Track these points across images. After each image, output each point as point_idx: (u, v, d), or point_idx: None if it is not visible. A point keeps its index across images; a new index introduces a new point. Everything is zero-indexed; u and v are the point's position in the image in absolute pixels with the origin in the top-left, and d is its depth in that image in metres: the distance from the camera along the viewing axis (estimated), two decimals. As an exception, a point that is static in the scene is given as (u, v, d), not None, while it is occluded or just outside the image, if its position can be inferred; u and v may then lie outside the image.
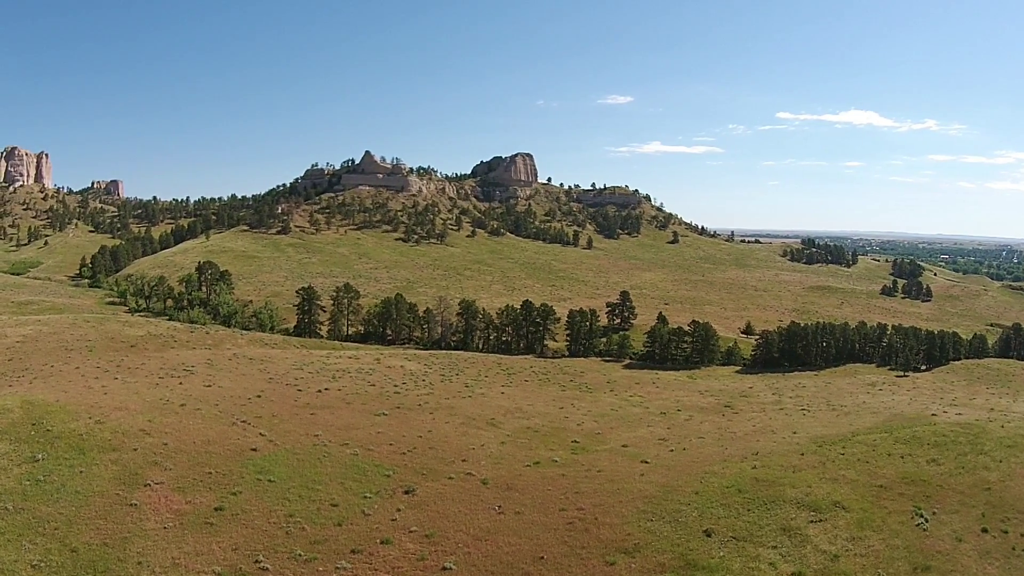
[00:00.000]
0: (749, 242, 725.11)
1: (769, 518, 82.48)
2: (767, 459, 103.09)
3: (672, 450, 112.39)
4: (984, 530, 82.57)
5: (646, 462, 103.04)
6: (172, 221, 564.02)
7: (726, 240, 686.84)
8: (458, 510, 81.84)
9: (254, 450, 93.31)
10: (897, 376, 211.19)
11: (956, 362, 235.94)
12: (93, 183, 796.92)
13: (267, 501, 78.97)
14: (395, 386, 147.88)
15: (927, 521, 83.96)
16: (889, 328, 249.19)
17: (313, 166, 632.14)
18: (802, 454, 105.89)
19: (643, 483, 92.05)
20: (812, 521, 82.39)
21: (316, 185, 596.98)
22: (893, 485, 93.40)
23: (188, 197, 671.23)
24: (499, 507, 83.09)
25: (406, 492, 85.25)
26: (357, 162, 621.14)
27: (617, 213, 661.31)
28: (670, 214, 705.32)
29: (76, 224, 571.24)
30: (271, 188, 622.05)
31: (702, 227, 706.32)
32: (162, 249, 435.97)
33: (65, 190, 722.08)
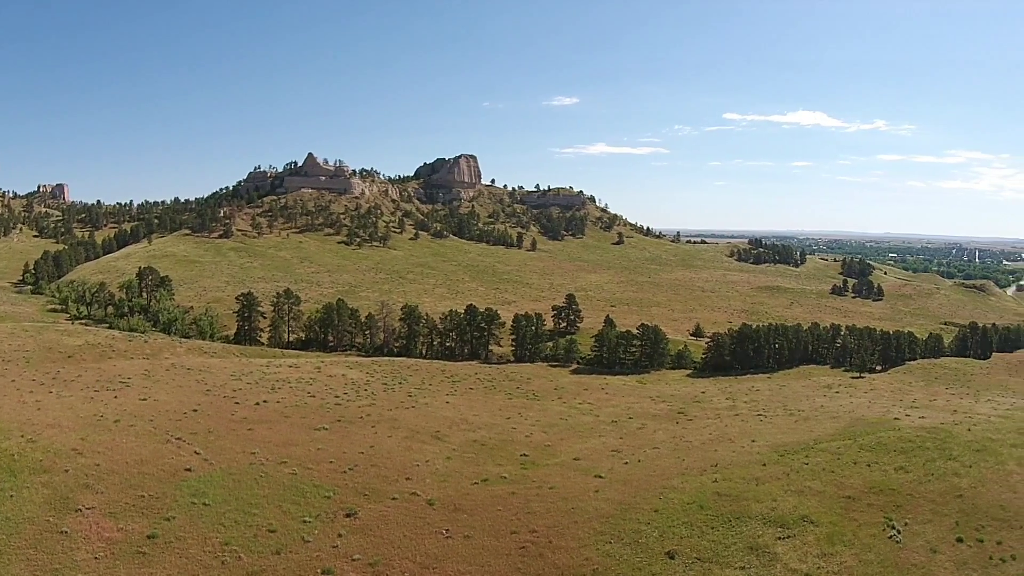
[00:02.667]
0: (695, 242, 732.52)
1: (735, 536, 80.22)
2: (728, 471, 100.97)
3: (627, 463, 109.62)
4: (959, 539, 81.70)
5: (600, 477, 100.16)
6: (116, 225, 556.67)
7: (672, 241, 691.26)
8: (403, 535, 78.81)
9: (188, 470, 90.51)
10: (853, 377, 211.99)
11: (913, 362, 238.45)
12: (39, 187, 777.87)
13: (202, 527, 76.54)
14: (336, 397, 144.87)
15: (900, 532, 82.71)
16: (843, 329, 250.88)
17: (256, 168, 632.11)
18: (764, 465, 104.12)
19: (599, 501, 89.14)
20: (780, 538, 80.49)
21: (259, 188, 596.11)
22: (861, 495, 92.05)
23: (132, 201, 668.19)
24: (447, 531, 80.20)
25: (348, 515, 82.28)
26: (300, 164, 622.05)
27: (561, 215, 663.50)
28: (615, 215, 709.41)
29: (21, 229, 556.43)
30: (214, 191, 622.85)
31: (647, 228, 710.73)
32: (105, 254, 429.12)
33: (11, 194, 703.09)
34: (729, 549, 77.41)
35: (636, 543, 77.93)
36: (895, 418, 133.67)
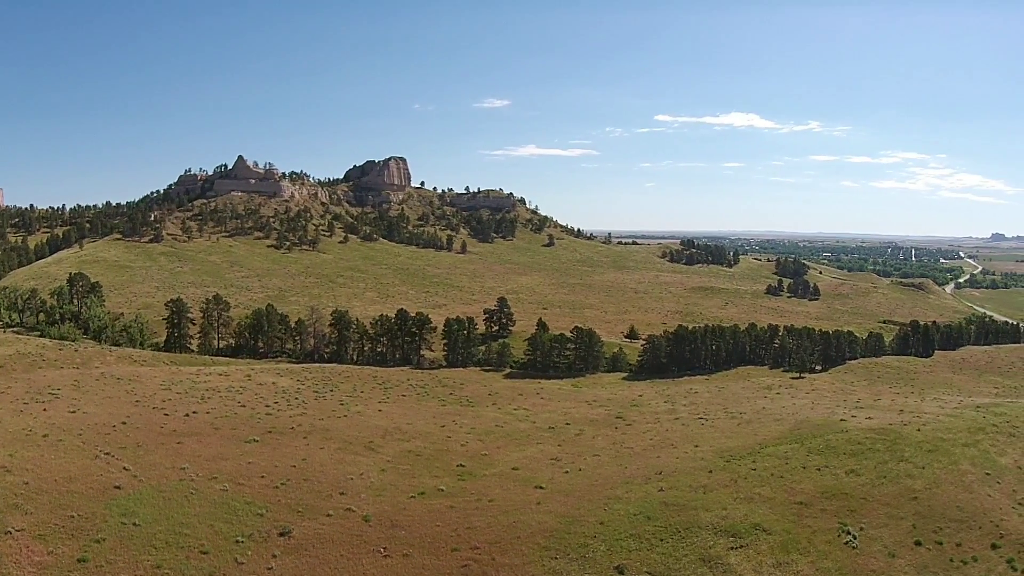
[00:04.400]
0: (627, 244, 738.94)
1: (685, 548, 78.14)
2: (673, 479, 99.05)
3: (567, 472, 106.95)
4: (917, 543, 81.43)
5: (541, 488, 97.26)
6: (49, 230, 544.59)
7: (603, 242, 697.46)
8: (340, 554, 76.14)
9: (118, 488, 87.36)
10: (793, 378, 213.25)
11: (853, 361, 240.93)
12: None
13: (133, 549, 74.02)
14: (267, 406, 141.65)
15: (855, 538, 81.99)
16: (781, 329, 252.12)
17: (187, 172, 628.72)
18: (710, 471, 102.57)
19: (541, 514, 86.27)
20: (732, 548, 78.92)
21: (189, 191, 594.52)
22: (813, 501, 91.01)
23: (64, 205, 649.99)
24: (385, 549, 77.58)
25: (281, 534, 79.44)
26: (230, 167, 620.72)
27: (491, 216, 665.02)
28: (545, 217, 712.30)
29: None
30: (145, 195, 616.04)
31: (578, 229, 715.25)
32: (38, 259, 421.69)
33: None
34: (680, 562, 75.51)
35: (583, 558, 75.47)
36: (841, 419, 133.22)
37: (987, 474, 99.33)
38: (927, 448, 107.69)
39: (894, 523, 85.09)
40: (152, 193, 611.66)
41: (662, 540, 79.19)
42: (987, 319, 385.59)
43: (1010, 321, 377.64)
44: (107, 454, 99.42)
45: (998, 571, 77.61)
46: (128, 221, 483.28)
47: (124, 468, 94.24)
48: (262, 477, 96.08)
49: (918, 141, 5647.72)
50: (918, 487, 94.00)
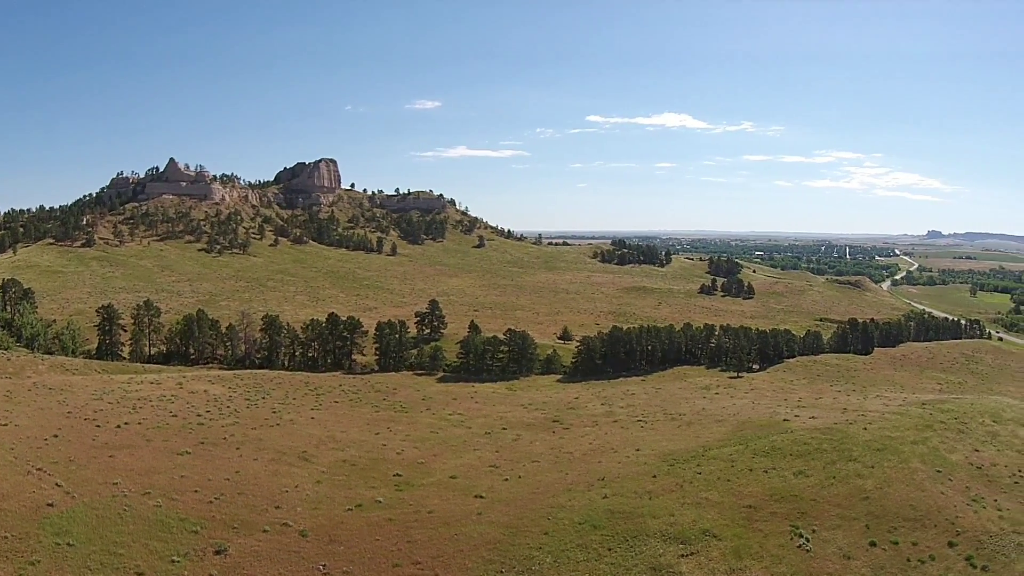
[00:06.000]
0: (557, 244, 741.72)
1: (634, 557, 76.31)
2: (617, 485, 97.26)
3: (507, 479, 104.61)
4: (872, 544, 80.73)
5: (481, 497, 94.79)
6: None
7: (534, 243, 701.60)
8: (277, 572, 73.84)
9: (51, 505, 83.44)
10: (731, 377, 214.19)
11: (792, 360, 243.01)
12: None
13: (68, 571, 71.14)
14: (198, 415, 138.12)
15: (808, 541, 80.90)
16: (717, 328, 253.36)
17: (119, 174, 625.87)
18: (654, 476, 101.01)
19: (483, 525, 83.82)
20: (683, 555, 77.38)
21: (121, 194, 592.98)
22: (763, 504, 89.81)
23: None
24: (323, 566, 75.31)
25: (217, 552, 76.81)
26: (162, 170, 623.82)
27: (421, 218, 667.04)
28: (476, 218, 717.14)
29: None
30: (78, 198, 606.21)
31: (508, 230, 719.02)
32: None
33: None
34: (630, 572, 73.75)
35: (529, 571, 73.29)
36: (784, 419, 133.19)
37: (938, 471, 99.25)
38: (875, 447, 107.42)
39: (847, 524, 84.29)
40: (85, 196, 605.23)
41: (610, 550, 77.21)
42: (926, 315, 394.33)
43: (950, 317, 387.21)
44: (39, 469, 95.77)
45: (957, 568, 77.16)
46: (61, 225, 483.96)
47: (57, 484, 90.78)
48: (195, 491, 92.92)
49: (853, 141, 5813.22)
50: (869, 487, 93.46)
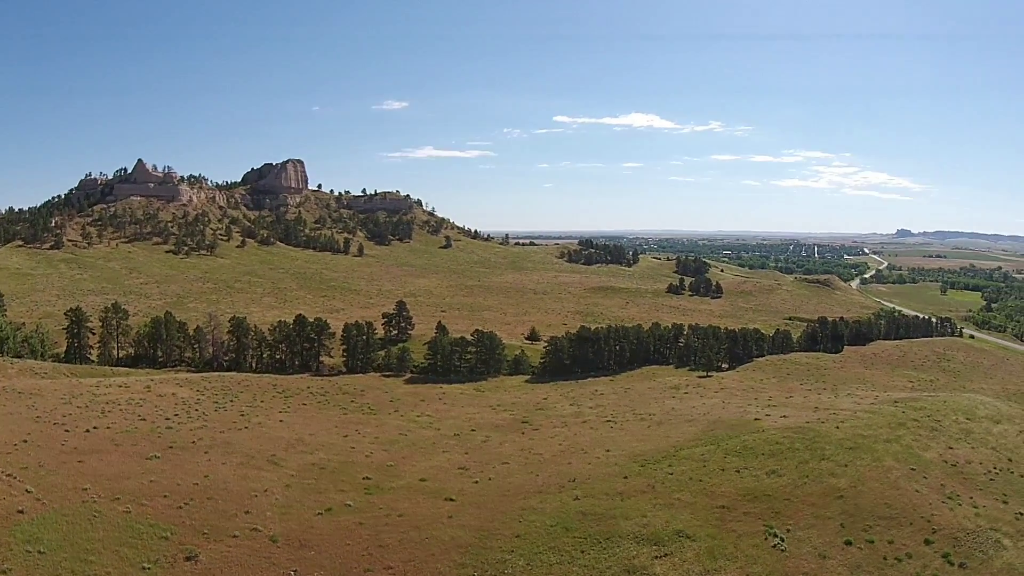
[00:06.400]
0: (524, 244, 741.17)
1: (608, 559, 75.26)
2: (588, 486, 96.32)
3: (477, 481, 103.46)
4: (848, 542, 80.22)
5: (451, 500, 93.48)
6: None
7: (501, 243, 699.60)
8: None
9: (21, 512, 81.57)
10: (700, 377, 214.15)
11: (761, 359, 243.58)
12: None
13: None
14: (167, 419, 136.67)
15: (783, 540, 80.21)
16: (686, 328, 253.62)
17: (87, 176, 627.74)
18: (626, 477, 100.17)
19: (454, 528, 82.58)
20: (657, 556, 76.40)
21: (89, 196, 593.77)
22: (736, 504, 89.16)
23: None
24: (295, 572, 73.95)
25: (188, 558, 75.26)
26: (130, 171, 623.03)
27: (388, 219, 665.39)
28: (442, 219, 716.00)
29: None
30: (47, 200, 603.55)
31: (475, 231, 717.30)
32: None
33: None
34: (604, 574, 72.72)
35: (502, 574, 72.14)
36: (756, 419, 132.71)
37: (912, 469, 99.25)
38: (848, 446, 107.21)
39: (821, 523, 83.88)
40: (53, 198, 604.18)
41: (583, 552, 76.13)
42: (896, 314, 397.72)
43: (920, 315, 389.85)
44: (9, 475, 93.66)
45: (934, 566, 76.91)
46: (30, 227, 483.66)
47: (27, 490, 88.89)
48: (165, 496, 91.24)
49: (822, 140, 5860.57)
50: (843, 486, 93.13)
